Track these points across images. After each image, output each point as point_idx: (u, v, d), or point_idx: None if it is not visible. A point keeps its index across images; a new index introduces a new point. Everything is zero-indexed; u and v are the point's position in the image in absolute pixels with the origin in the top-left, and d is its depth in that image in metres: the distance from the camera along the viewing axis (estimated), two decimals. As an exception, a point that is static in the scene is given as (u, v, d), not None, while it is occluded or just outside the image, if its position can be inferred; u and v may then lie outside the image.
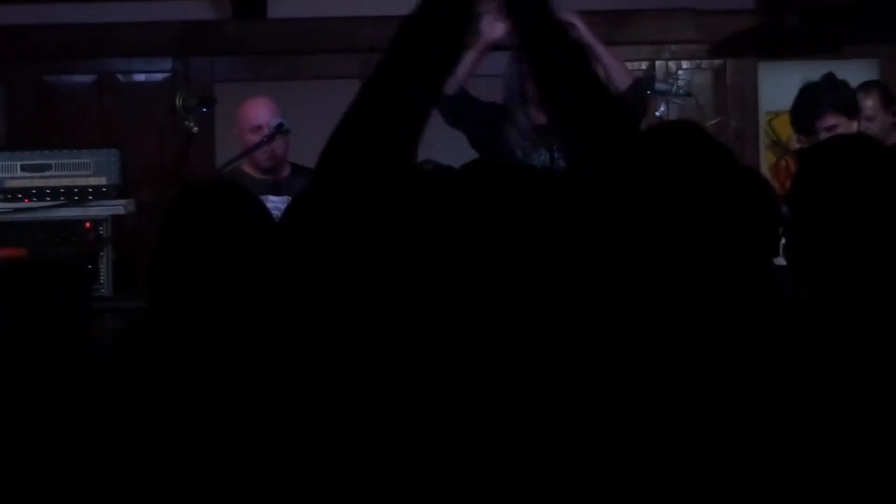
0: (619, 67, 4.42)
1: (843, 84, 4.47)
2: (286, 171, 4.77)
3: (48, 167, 5.04)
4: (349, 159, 1.80)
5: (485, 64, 5.22)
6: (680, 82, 4.78)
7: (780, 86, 5.48)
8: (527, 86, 4.46)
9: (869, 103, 4.68)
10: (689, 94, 4.87)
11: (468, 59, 4.43)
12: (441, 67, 1.86)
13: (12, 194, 4.94)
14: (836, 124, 4.25)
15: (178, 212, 2.10)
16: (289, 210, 1.95)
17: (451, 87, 4.43)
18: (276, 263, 1.89)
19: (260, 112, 4.76)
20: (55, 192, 4.96)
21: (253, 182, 4.67)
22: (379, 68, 1.83)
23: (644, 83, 4.67)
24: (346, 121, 1.83)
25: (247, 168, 4.79)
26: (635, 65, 4.91)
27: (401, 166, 1.81)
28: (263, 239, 2.01)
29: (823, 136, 4.17)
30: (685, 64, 5.61)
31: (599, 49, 4.38)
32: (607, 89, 1.92)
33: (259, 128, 4.71)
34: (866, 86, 4.88)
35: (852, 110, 4.36)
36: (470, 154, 4.40)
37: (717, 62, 5.84)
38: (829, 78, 4.45)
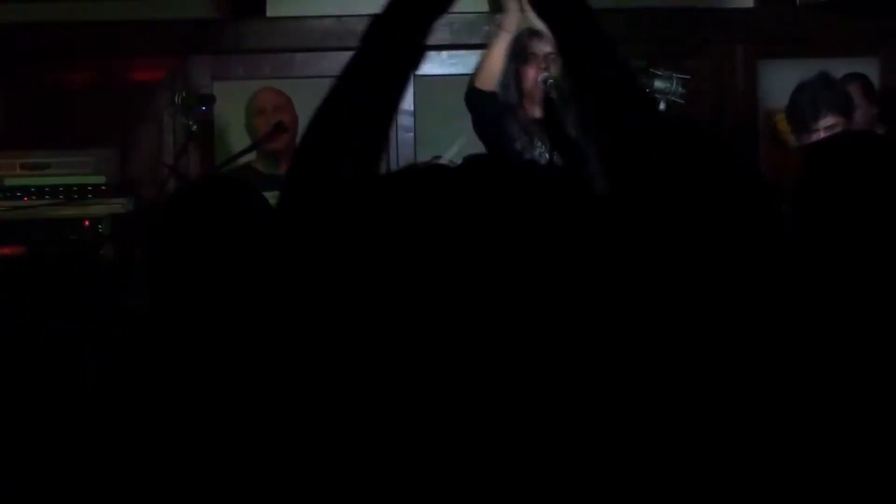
0: None
1: (838, 83, 4.50)
2: None
3: (47, 165, 5.05)
4: (316, 162, 1.80)
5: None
6: (678, 81, 4.78)
7: (779, 84, 5.47)
8: (522, 82, 4.48)
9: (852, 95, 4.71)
10: (688, 93, 4.86)
11: (499, 55, 4.52)
12: (405, 67, 1.86)
13: (11, 192, 4.94)
14: (835, 124, 4.28)
15: (176, 210, 2.10)
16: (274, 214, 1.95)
17: (487, 84, 4.52)
18: (275, 260, 1.89)
19: (266, 98, 4.77)
20: (54, 191, 4.96)
21: (260, 178, 4.68)
22: (344, 70, 1.84)
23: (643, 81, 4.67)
24: (312, 124, 1.84)
25: (256, 164, 4.79)
26: (634, 63, 4.90)
27: (369, 168, 1.81)
28: (263, 236, 2.00)
29: (823, 136, 4.20)
30: (684, 62, 5.61)
31: None
32: (639, 80, 1.92)
33: (263, 111, 4.73)
34: (848, 77, 4.91)
35: (849, 109, 4.39)
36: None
37: (717, 61, 5.84)
38: (824, 77, 4.46)
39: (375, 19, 1.83)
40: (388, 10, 1.83)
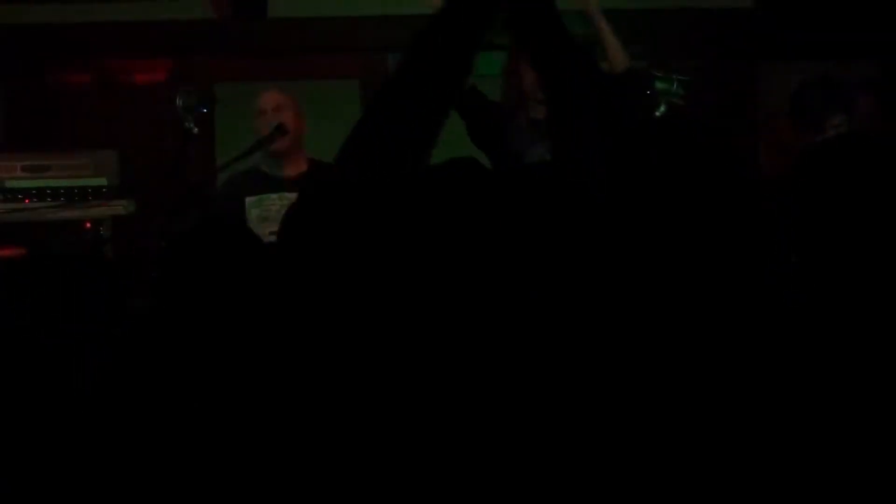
0: (618, 49, 4.45)
1: (842, 82, 4.51)
2: (303, 167, 4.75)
3: (48, 168, 5.06)
4: (364, 161, 1.80)
5: (485, 64, 5.24)
6: (679, 82, 4.78)
7: (778, 85, 5.48)
8: (524, 83, 4.47)
9: None
10: (688, 94, 4.86)
11: None
12: (460, 73, 1.86)
13: (12, 195, 4.95)
14: (841, 123, 4.31)
15: (175, 263, 2.13)
16: (294, 208, 1.94)
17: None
18: (276, 279, 1.90)
19: (266, 99, 4.75)
20: (55, 193, 4.97)
21: (267, 180, 4.68)
22: (397, 72, 1.83)
23: (643, 82, 4.66)
24: (361, 124, 1.83)
25: (261, 166, 4.78)
26: (633, 64, 4.91)
27: (416, 169, 1.81)
28: (260, 278, 2.03)
29: (831, 134, 4.23)
30: (684, 63, 5.61)
31: (603, 24, 4.41)
32: (617, 99, 1.93)
33: (262, 112, 4.72)
34: (853, 78, 4.92)
35: (854, 109, 4.41)
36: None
37: (717, 62, 5.84)
38: (829, 78, 4.48)
39: (430, 25, 1.82)
40: (445, 14, 1.83)
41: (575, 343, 1.74)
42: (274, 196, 4.65)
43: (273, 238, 5.04)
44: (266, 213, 4.64)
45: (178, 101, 4.65)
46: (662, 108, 4.71)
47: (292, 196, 4.57)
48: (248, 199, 4.64)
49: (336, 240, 1.77)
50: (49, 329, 2.21)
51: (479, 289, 1.73)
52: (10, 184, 4.98)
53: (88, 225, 4.90)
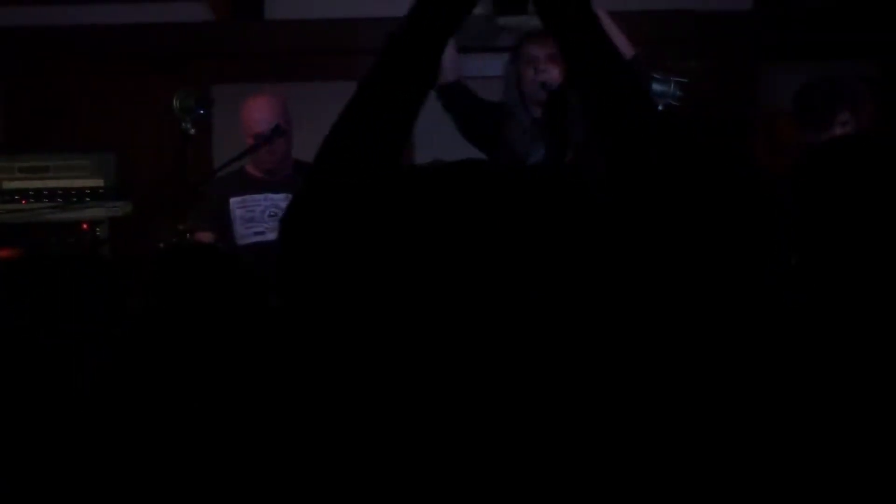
0: (622, 39, 4.44)
1: (847, 80, 4.52)
2: (287, 168, 4.74)
3: (46, 169, 5.06)
4: (341, 161, 1.80)
5: (485, 66, 5.25)
6: (676, 84, 4.78)
7: (777, 87, 5.48)
8: (525, 84, 4.48)
9: None
10: (685, 95, 4.87)
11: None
12: (428, 72, 1.87)
13: (10, 196, 4.95)
14: (847, 121, 4.31)
15: (162, 283, 2.13)
16: (287, 211, 1.95)
17: (450, 76, 4.44)
18: (278, 262, 1.89)
19: (260, 118, 4.71)
20: (53, 194, 4.97)
21: (255, 181, 4.67)
22: (370, 72, 1.84)
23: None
24: (338, 125, 1.84)
25: (249, 168, 4.77)
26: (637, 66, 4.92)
27: (390, 166, 1.82)
28: (250, 289, 2.03)
29: (839, 131, 4.24)
30: (683, 65, 5.62)
31: (606, 19, 4.42)
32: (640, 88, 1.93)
33: (260, 136, 4.69)
34: (854, 77, 4.92)
35: (859, 108, 4.42)
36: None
37: (716, 63, 5.85)
38: (833, 77, 4.48)
39: (393, 36, 1.83)
40: (407, 26, 1.84)
41: (575, 343, 1.74)
42: (259, 196, 4.65)
43: (257, 238, 5.03)
44: (251, 213, 4.64)
45: (175, 103, 4.65)
46: (660, 109, 4.72)
47: (277, 196, 4.60)
48: (233, 200, 4.64)
49: (337, 239, 1.77)
50: (48, 329, 2.20)
51: (479, 287, 1.72)
52: (7, 185, 4.99)
53: (86, 226, 4.90)
